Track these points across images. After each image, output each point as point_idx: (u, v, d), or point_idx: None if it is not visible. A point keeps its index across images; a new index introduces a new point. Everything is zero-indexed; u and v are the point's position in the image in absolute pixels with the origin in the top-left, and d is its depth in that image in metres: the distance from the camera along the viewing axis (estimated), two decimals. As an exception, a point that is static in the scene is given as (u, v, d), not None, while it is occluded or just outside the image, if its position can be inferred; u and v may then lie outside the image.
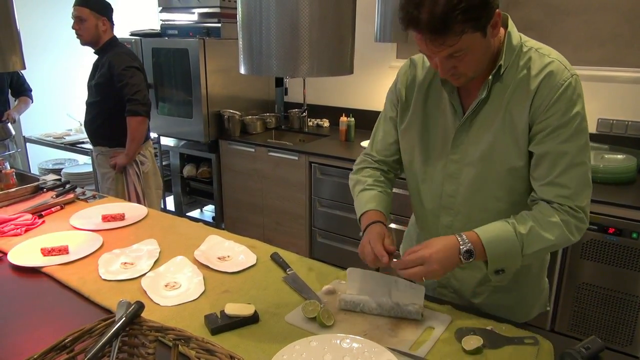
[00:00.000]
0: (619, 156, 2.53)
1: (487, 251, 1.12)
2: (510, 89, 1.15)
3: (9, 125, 3.58)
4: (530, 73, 1.13)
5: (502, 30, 1.16)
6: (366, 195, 1.37)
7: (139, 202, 2.83)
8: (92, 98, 2.80)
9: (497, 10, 1.05)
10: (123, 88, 2.68)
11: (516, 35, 1.17)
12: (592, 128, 2.79)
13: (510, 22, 1.17)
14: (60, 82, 4.41)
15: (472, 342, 1.08)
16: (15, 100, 3.76)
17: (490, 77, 1.15)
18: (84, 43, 2.75)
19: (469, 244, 1.12)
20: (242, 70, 0.88)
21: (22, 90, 3.75)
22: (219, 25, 3.57)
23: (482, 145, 1.20)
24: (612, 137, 2.75)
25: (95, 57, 2.84)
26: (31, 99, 3.80)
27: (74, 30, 2.71)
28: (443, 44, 1.03)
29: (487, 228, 1.14)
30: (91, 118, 2.84)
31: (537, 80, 1.12)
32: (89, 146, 3.04)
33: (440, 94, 1.26)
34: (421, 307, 1.20)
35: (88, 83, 2.84)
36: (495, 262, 1.13)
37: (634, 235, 2.18)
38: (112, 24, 2.79)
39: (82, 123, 2.97)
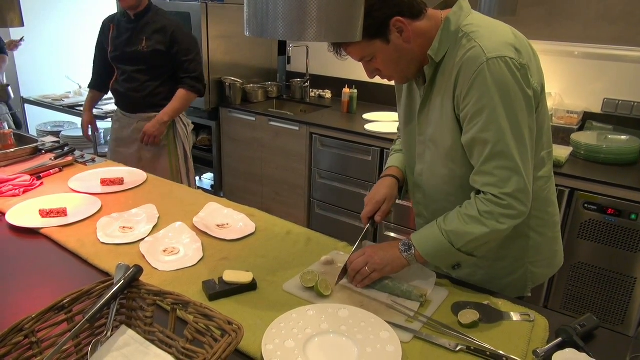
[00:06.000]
0: (623, 137, 2.52)
1: (416, 247, 1.18)
2: (446, 77, 1.15)
3: (9, 88, 3.54)
4: (455, 60, 1.11)
5: (441, 15, 1.15)
6: (391, 158, 1.50)
7: (182, 181, 2.85)
8: (141, 65, 2.62)
9: (397, 18, 1.08)
10: (188, 63, 2.62)
11: (455, 21, 1.13)
12: (597, 108, 2.77)
13: (458, 4, 1.14)
14: (61, 44, 4.33)
15: (469, 316, 1.09)
16: None
17: (424, 68, 1.17)
18: (129, 6, 2.53)
19: (406, 240, 1.21)
20: (247, 32, 0.86)
21: None
22: (223, -11, 3.49)
23: (430, 129, 1.24)
24: (617, 117, 2.72)
25: (107, 20, 2.68)
26: (7, 54, 3.72)
27: None
28: (340, 51, 1.15)
29: (419, 230, 1.23)
30: (138, 85, 2.65)
31: (457, 68, 1.10)
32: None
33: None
34: (424, 296, 1.17)
35: (125, 48, 2.61)
36: (431, 256, 1.17)
37: (633, 216, 2.18)
38: None
39: (87, 87, 2.86)
